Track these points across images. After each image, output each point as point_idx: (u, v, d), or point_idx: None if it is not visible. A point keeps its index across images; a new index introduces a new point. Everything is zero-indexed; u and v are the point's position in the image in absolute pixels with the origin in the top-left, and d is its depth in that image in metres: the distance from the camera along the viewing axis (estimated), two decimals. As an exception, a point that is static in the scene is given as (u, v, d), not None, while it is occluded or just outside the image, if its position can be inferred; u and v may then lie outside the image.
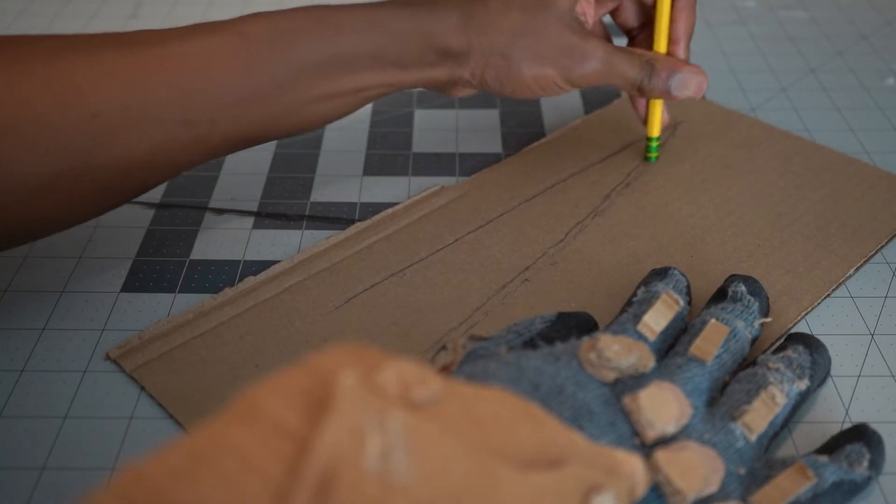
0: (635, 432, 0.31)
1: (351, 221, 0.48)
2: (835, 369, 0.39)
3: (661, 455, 0.30)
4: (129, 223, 0.48)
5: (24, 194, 0.35)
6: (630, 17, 0.49)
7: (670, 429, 0.31)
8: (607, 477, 0.25)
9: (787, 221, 0.47)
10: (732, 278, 0.39)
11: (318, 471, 0.20)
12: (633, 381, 0.32)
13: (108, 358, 0.39)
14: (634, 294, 0.38)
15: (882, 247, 0.45)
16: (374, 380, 0.22)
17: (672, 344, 0.37)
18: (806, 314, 0.42)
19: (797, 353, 0.36)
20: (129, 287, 0.44)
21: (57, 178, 0.36)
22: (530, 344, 0.35)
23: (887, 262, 0.45)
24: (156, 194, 0.50)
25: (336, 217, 0.49)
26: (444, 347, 0.35)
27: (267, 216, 0.49)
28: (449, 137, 0.55)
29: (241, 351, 0.39)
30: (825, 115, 0.58)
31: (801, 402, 0.35)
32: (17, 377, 0.39)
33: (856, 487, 0.32)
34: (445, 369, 0.33)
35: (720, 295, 0.39)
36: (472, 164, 0.53)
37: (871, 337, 0.41)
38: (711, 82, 0.59)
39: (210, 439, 0.21)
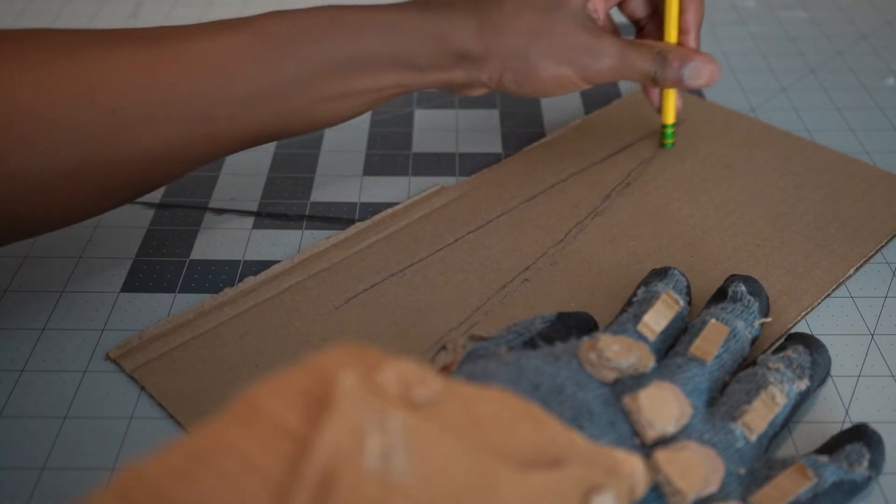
0: (635, 432, 0.31)
1: (351, 221, 0.48)
2: (835, 369, 0.39)
3: (661, 455, 0.30)
4: (129, 223, 0.48)
5: (41, 186, 0.36)
6: (637, 7, 0.49)
7: (670, 429, 0.31)
8: (607, 477, 0.25)
9: (787, 221, 0.47)
10: (732, 278, 0.39)
11: (318, 471, 0.20)
12: (633, 381, 0.32)
13: (108, 358, 0.39)
14: (634, 294, 0.38)
15: (882, 247, 0.45)
16: (374, 380, 0.22)
17: (672, 344, 0.37)
18: (806, 314, 0.42)
19: (797, 353, 0.36)
20: (129, 287, 0.44)
21: (73, 170, 0.36)
22: (530, 344, 0.35)
23: (887, 262, 0.45)
24: (156, 194, 0.50)
25: (336, 217, 0.49)
26: (444, 347, 0.35)
27: (267, 216, 0.49)
28: (449, 137, 0.55)
29: (241, 351, 0.39)
30: (825, 115, 0.58)
31: (801, 402, 0.35)
32: (17, 377, 0.39)
33: (856, 487, 0.32)
34: (445, 369, 0.33)
35: (720, 295, 0.39)
36: (472, 164, 0.53)
37: (871, 337, 0.41)
38: (711, 82, 0.59)
39: (210, 439, 0.21)
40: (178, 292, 0.43)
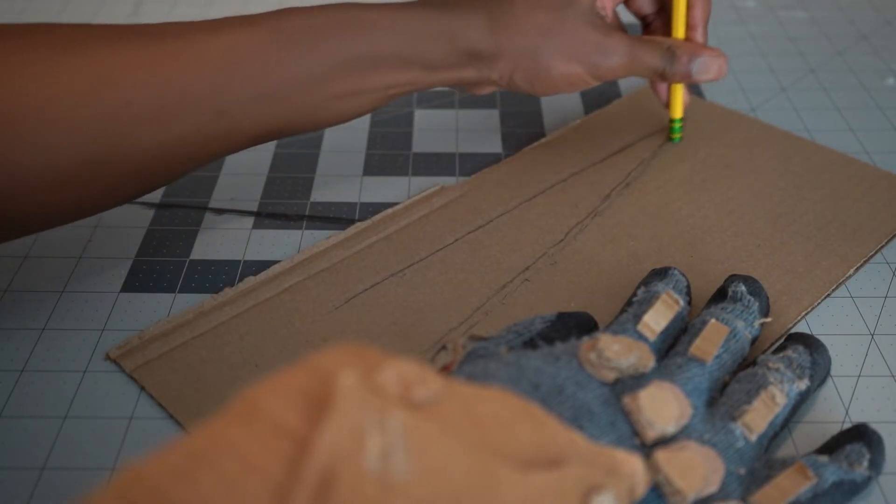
0: (635, 432, 0.31)
1: (351, 221, 0.48)
2: (835, 369, 0.39)
3: (661, 455, 0.30)
4: (129, 223, 0.48)
5: (54, 178, 0.36)
6: (644, 4, 0.49)
7: (670, 429, 0.31)
8: (607, 477, 0.25)
9: (787, 221, 0.47)
10: (732, 278, 0.39)
11: (318, 471, 0.20)
12: (633, 381, 0.32)
13: (108, 358, 0.39)
14: (634, 294, 0.38)
15: (882, 247, 0.45)
16: (374, 380, 0.22)
17: (672, 344, 0.37)
18: (806, 314, 0.42)
19: (797, 353, 0.36)
20: (129, 287, 0.44)
21: (86, 163, 0.36)
22: (530, 344, 0.35)
23: (887, 262, 0.45)
24: (156, 194, 0.50)
25: (336, 217, 0.49)
26: (444, 347, 0.35)
27: (267, 216, 0.49)
28: (449, 137, 0.55)
29: (241, 351, 0.39)
30: (825, 115, 0.58)
31: (801, 402, 0.35)
32: (17, 377, 0.39)
33: (856, 487, 0.32)
34: (445, 369, 0.33)
35: (720, 295, 0.39)
36: (472, 164, 0.53)
37: (871, 337, 0.41)
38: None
39: (210, 439, 0.21)
40: (178, 292, 0.43)
